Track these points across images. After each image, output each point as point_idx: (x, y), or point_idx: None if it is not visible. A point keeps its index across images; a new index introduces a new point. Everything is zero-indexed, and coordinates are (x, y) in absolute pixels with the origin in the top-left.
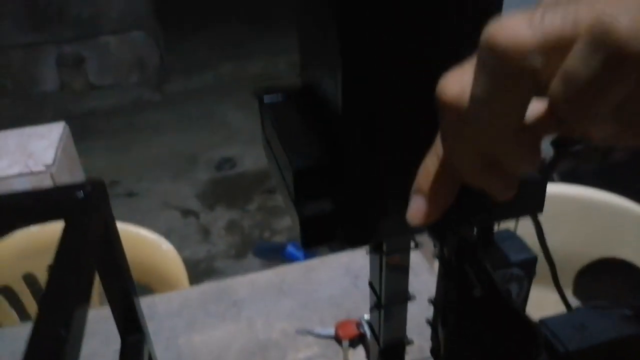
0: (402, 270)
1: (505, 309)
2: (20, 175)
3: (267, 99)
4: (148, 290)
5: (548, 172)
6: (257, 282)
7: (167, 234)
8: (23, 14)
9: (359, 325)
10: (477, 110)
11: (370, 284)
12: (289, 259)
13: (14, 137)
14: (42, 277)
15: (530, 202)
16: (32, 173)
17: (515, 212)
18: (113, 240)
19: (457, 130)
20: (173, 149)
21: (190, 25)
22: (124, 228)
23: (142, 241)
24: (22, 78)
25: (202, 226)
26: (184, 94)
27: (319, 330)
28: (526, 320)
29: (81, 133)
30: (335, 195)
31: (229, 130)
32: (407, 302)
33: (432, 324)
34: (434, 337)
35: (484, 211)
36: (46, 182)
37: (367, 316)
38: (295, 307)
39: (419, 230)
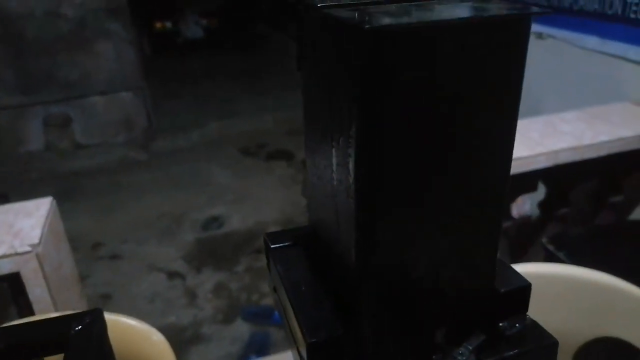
0: None
1: None
2: (4, 256)
3: (273, 243)
4: None
5: (536, 233)
6: None
7: (152, 298)
8: (11, 77)
9: None
10: None
11: None
12: (279, 323)
13: (0, 214)
14: None
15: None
16: (17, 254)
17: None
18: None
19: None
20: (159, 209)
21: (177, 84)
22: (113, 318)
23: (132, 331)
24: (8, 138)
25: (188, 289)
26: (171, 153)
27: None
28: None
29: (66, 193)
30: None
31: (215, 189)
32: None
33: None
34: None
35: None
36: (31, 263)
37: None
38: None
39: None
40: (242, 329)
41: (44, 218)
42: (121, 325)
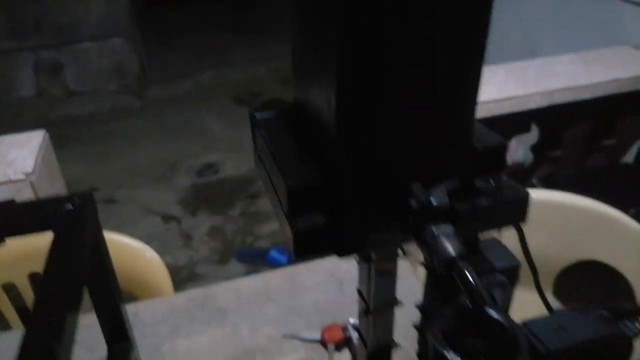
0: (389, 277)
1: (489, 316)
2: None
3: (259, 115)
4: (132, 298)
5: (528, 179)
6: (242, 288)
7: (148, 240)
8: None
9: (344, 329)
10: None
11: (359, 291)
12: (272, 263)
13: None
14: (21, 285)
15: (515, 213)
16: (11, 181)
17: (500, 223)
18: (101, 251)
19: None
20: (153, 156)
21: (170, 33)
22: (107, 236)
23: (126, 249)
24: (1, 83)
25: (183, 232)
26: (164, 101)
27: (305, 334)
28: (510, 328)
29: (59, 140)
30: (327, 210)
31: (209, 137)
32: (394, 308)
33: (419, 328)
34: (421, 341)
35: (470, 221)
36: (26, 191)
37: (352, 320)
38: (281, 312)
39: (407, 240)
40: (236, 269)
41: (37, 149)
42: (114, 242)
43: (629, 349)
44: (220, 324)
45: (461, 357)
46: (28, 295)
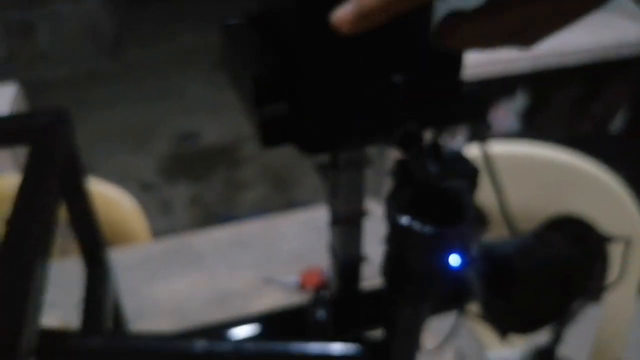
0: (356, 187)
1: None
2: None
3: (227, 21)
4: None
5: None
6: (218, 236)
7: None
8: None
9: (322, 273)
10: None
11: (329, 201)
12: None
13: None
14: None
15: (476, 110)
16: None
17: (462, 118)
18: (77, 168)
19: None
20: (131, 121)
21: None
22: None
23: (103, 197)
24: None
25: (163, 200)
26: (141, 65)
27: (284, 278)
28: (460, 195)
29: (33, 103)
30: (290, 99)
31: (189, 102)
32: (362, 219)
33: (386, 239)
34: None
35: (434, 115)
36: None
37: None
38: (259, 258)
39: (373, 141)
40: None
41: (12, 100)
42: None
43: (588, 268)
44: (198, 269)
45: (413, 219)
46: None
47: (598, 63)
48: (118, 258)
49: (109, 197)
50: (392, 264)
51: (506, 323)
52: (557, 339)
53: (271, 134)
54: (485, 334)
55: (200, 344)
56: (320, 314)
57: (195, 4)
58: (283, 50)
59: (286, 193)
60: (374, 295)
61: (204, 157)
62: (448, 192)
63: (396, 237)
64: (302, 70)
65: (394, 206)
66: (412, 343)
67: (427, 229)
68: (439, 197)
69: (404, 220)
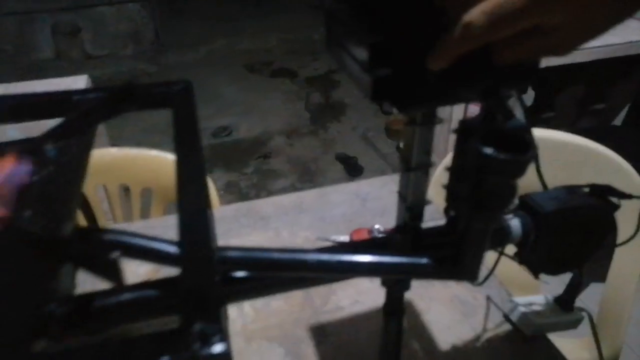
0: (428, 140)
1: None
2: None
3: (325, 3)
4: None
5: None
6: (280, 202)
7: None
8: None
9: (370, 232)
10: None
11: (400, 152)
12: None
13: (41, 86)
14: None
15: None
16: None
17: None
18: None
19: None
20: (170, 118)
21: (183, 1)
22: (159, 155)
23: (157, 160)
24: (19, 45)
25: None
26: (178, 67)
27: (336, 237)
28: (527, 135)
29: None
30: (394, 66)
31: (222, 101)
32: (430, 168)
33: (448, 188)
34: (449, 198)
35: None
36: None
37: (377, 226)
38: (313, 220)
39: (454, 102)
40: None
41: None
42: (169, 160)
43: (609, 218)
44: (265, 229)
45: (495, 150)
46: (116, 202)
47: (604, 61)
48: None
49: (162, 160)
50: (471, 187)
51: (538, 264)
52: (576, 286)
53: (377, 92)
54: (511, 282)
55: (310, 255)
56: (396, 237)
57: (229, 11)
58: (387, 27)
59: (311, 183)
60: (435, 232)
61: (237, 149)
62: (516, 131)
63: (479, 165)
64: (402, 45)
65: (480, 141)
66: (480, 254)
67: (505, 155)
68: (509, 136)
69: (488, 150)
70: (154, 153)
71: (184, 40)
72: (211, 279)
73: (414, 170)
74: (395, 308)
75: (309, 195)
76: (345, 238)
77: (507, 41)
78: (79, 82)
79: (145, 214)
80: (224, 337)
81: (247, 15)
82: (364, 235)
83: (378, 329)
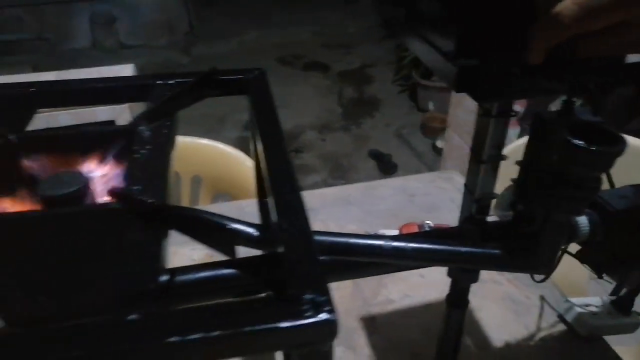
0: (502, 134)
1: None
2: (102, 108)
3: None
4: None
5: None
6: (325, 195)
7: None
8: None
9: (421, 227)
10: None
11: (473, 147)
12: None
13: (92, 74)
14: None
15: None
16: (113, 107)
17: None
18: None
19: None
20: (201, 110)
21: None
22: (214, 144)
23: (229, 157)
24: (57, 34)
25: None
26: (211, 59)
27: (385, 231)
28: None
29: None
30: (481, 57)
31: None
32: (500, 161)
33: (517, 181)
34: (517, 192)
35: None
36: (124, 114)
37: (428, 221)
38: (361, 214)
39: (538, 94)
40: None
41: None
42: (220, 149)
43: None
44: (313, 220)
45: (585, 143)
46: (186, 192)
47: None
48: (245, 207)
49: (234, 156)
50: (555, 179)
51: (603, 263)
52: (636, 289)
53: (462, 82)
54: (565, 284)
55: (386, 241)
56: (465, 229)
57: (262, 3)
58: (474, 18)
59: (343, 179)
60: (501, 225)
61: None
62: (601, 126)
63: (566, 157)
64: (489, 36)
65: (568, 133)
66: (557, 247)
67: (597, 147)
68: (595, 129)
69: (578, 142)
70: (205, 141)
71: (216, 31)
72: (314, 254)
73: (484, 163)
74: (460, 299)
75: (355, 189)
76: (394, 232)
77: (594, 34)
78: (125, 70)
79: (193, 201)
80: (333, 307)
81: (280, 7)
82: (414, 230)
83: (429, 323)
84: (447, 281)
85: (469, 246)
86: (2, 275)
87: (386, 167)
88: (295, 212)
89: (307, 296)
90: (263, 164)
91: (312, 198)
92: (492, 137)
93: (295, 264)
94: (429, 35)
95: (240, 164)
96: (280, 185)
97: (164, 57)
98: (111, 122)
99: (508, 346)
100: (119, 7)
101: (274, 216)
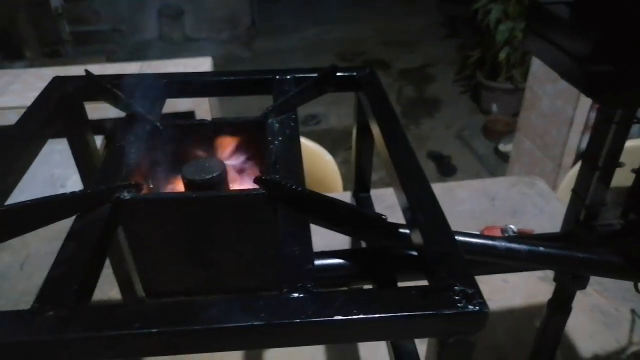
0: (623, 139)
1: None
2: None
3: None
4: None
5: None
6: None
7: None
8: None
9: (503, 231)
10: None
11: (587, 153)
12: None
13: (171, 66)
14: None
15: None
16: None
17: None
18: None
19: None
20: (261, 104)
21: None
22: None
23: (309, 151)
24: (127, 26)
25: None
26: (271, 53)
27: None
28: None
29: None
30: (617, 64)
31: None
32: (615, 168)
33: (632, 190)
34: (631, 204)
35: None
36: (203, 105)
37: (512, 226)
38: None
39: None
40: None
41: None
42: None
43: None
44: (390, 218)
45: None
46: None
47: None
48: None
49: (314, 151)
50: None
51: None
52: None
53: (595, 87)
54: None
55: (499, 242)
56: (577, 234)
57: (319, 4)
58: (611, 26)
59: None
60: (610, 233)
61: (325, 138)
62: None
63: None
64: (624, 43)
65: None
66: None
67: None
68: None
69: None
70: None
71: (277, 27)
72: (458, 247)
73: (600, 169)
74: (563, 304)
75: (434, 189)
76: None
77: None
78: (204, 63)
79: None
80: (484, 299)
81: (341, 4)
82: (497, 234)
83: (515, 329)
84: (531, 286)
85: (582, 252)
86: (162, 251)
87: (445, 169)
88: (429, 206)
89: (458, 287)
90: (385, 158)
91: (391, 196)
92: (611, 143)
93: (442, 256)
94: (558, 39)
95: (320, 158)
96: (409, 179)
97: (226, 50)
98: (191, 113)
99: (597, 358)
100: (187, 1)
101: (405, 210)
